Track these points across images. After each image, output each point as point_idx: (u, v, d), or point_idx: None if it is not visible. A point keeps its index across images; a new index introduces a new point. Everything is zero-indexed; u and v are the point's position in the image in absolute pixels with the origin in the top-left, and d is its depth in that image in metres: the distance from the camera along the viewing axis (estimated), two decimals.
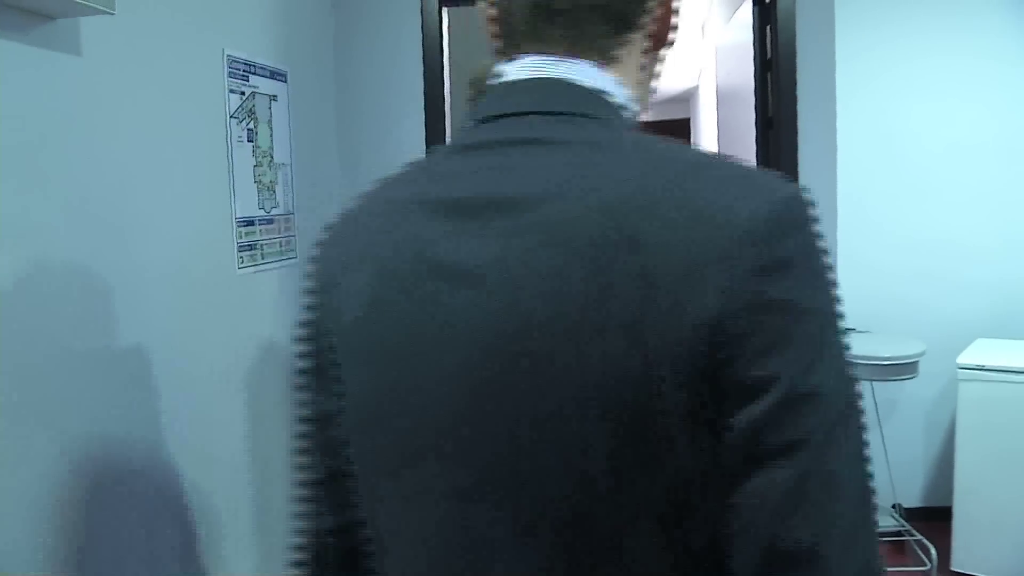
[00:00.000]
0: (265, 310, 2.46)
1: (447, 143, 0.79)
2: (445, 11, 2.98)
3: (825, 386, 0.59)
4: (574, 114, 0.72)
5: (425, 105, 2.96)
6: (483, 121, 0.76)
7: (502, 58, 0.79)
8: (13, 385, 1.47)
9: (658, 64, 0.81)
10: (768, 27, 2.81)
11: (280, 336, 2.54)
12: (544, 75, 0.74)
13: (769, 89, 2.85)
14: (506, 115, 0.74)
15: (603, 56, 0.75)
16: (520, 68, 0.76)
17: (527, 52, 0.76)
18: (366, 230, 0.78)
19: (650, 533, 0.62)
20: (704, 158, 0.66)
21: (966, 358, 3.66)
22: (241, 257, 2.30)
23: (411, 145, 2.98)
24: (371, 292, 0.74)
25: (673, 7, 0.78)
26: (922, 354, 3.82)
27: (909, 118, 4.21)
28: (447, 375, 0.68)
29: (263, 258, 2.42)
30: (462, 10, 3.22)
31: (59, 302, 1.60)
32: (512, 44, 0.78)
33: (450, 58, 3.06)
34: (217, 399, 2.18)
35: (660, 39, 0.78)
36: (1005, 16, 4.09)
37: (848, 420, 0.60)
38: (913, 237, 4.21)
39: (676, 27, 0.79)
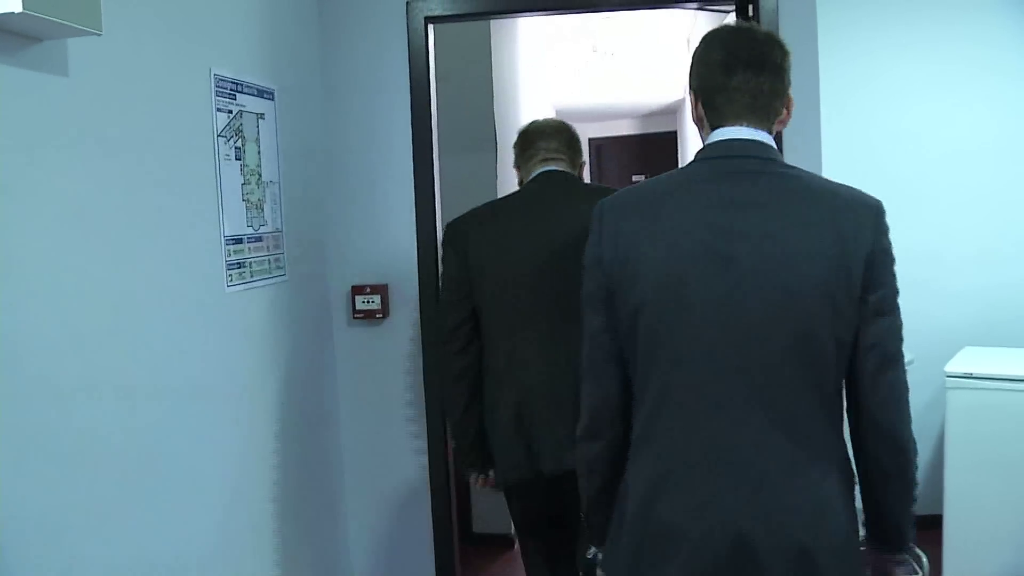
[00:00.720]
0: (255, 328, 2.46)
1: (695, 169, 1.57)
2: (431, 27, 2.99)
3: (895, 286, 1.49)
4: (768, 159, 1.53)
5: (412, 121, 2.97)
6: (716, 160, 1.55)
7: (711, 126, 1.58)
8: (4, 404, 1.47)
9: None
10: None
11: (270, 353, 2.54)
12: (748, 137, 1.54)
13: None
14: (734, 156, 1.53)
15: (768, 128, 1.57)
16: (730, 133, 1.54)
17: (730, 125, 1.55)
18: (665, 213, 1.53)
19: (839, 349, 1.46)
20: (824, 178, 1.62)
21: (954, 366, 3.67)
22: (230, 275, 2.30)
23: (399, 161, 2.99)
24: (681, 250, 1.48)
25: (790, 109, 1.61)
26: (910, 363, 3.81)
27: (895, 126, 4.23)
28: (728, 286, 1.45)
29: (252, 276, 2.42)
30: (448, 26, 3.24)
31: (47, 321, 1.60)
32: (719, 118, 1.56)
33: (436, 74, 3.08)
34: (208, 417, 2.18)
35: (782, 123, 1.61)
36: (993, 24, 4.12)
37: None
38: (898, 246, 4.23)
39: (789, 118, 1.63)
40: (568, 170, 2.44)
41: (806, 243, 1.45)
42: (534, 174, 2.42)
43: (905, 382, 1.52)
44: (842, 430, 1.55)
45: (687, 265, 1.48)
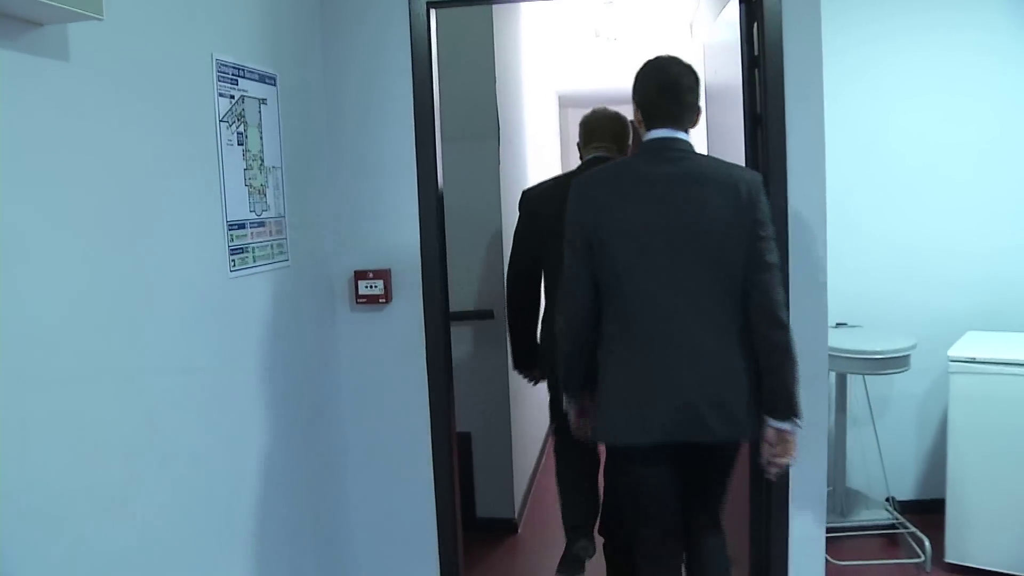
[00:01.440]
0: (258, 313, 2.46)
1: (639, 158, 2.48)
2: (433, 12, 2.98)
3: (771, 224, 2.40)
4: (686, 150, 2.43)
5: (414, 106, 2.97)
6: (652, 151, 2.45)
7: (647, 128, 2.47)
8: (7, 392, 1.47)
9: None
10: (755, 24, 2.82)
11: (273, 338, 2.54)
12: (671, 136, 2.44)
13: (756, 86, 2.86)
14: (664, 149, 2.42)
15: (685, 130, 2.46)
16: (660, 133, 2.44)
17: (660, 128, 2.45)
18: (621, 185, 2.43)
19: (740, 265, 2.36)
20: (721, 160, 2.54)
21: (957, 351, 3.68)
22: (233, 260, 2.30)
23: (400, 146, 2.98)
24: (633, 207, 2.39)
25: (699, 116, 2.49)
26: (913, 347, 3.85)
27: (893, 117, 4.23)
28: (665, 228, 2.36)
29: (255, 261, 2.43)
30: (450, 11, 3.22)
31: (50, 308, 1.60)
32: (652, 124, 2.46)
33: (439, 60, 3.07)
34: (211, 402, 2.18)
35: (694, 126, 2.49)
36: (990, 15, 4.11)
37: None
38: (900, 237, 4.24)
39: (699, 122, 2.50)
40: (613, 155, 3.38)
41: (715, 200, 2.36)
42: (587, 158, 3.45)
43: (779, 280, 2.39)
44: (746, 326, 2.41)
45: (639, 217, 2.39)
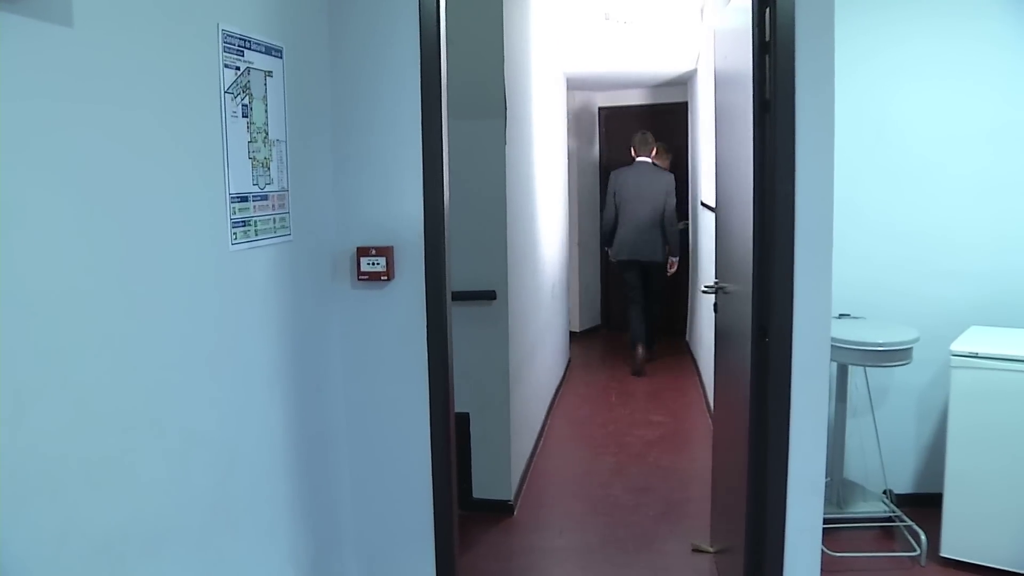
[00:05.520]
0: (258, 286, 2.45)
1: (633, 166, 7.92)
2: None
3: (674, 194, 7.85)
4: (649, 165, 7.80)
5: (421, 83, 2.94)
6: (637, 165, 7.75)
7: (636, 156, 7.77)
8: (1, 362, 1.46)
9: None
10: (767, 10, 2.79)
11: (273, 312, 2.53)
12: (644, 160, 7.75)
13: (767, 72, 2.83)
14: (641, 164, 7.74)
15: (649, 156, 7.81)
16: (643, 158, 7.76)
17: (641, 156, 7.76)
18: (626, 175, 7.80)
19: (662, 203, 7.63)
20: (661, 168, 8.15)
21: (959, 345, 3.66)
22: (235, 233, 2.29)
23: (406, 123, 2.95)
24: (629, 184, 7.70)
25: (656, 151, 7.94)
26: (916, 341, 3.83)
27: (899, 106, 4.19)
28: (638, 193, 7.63)
29: (257, 234, 2.41)
30: None
31: (47, 278, 1.59)
32: (637, 154, 7.77)
33: (447, 38, 3.04)
34: (208, 375, 2.17)
35: (655, 155, 7.93)
36: (997, 2, 4.07)
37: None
38: (906, 227, 4.21)
39: (654, 153, 7.92)
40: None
41: (654, 182, 7.53)
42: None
43: (674, 209, 7.54)
44: (662, 223, 7.57)
45: (630, 187, 7.60)
